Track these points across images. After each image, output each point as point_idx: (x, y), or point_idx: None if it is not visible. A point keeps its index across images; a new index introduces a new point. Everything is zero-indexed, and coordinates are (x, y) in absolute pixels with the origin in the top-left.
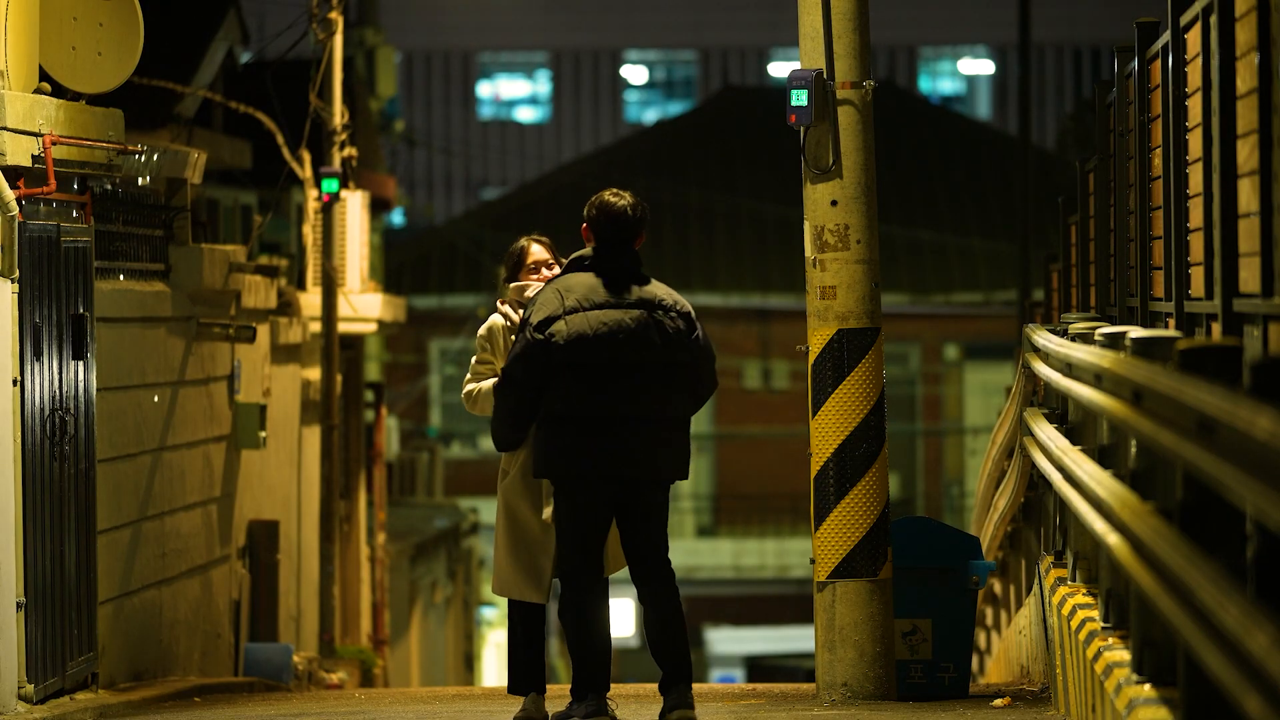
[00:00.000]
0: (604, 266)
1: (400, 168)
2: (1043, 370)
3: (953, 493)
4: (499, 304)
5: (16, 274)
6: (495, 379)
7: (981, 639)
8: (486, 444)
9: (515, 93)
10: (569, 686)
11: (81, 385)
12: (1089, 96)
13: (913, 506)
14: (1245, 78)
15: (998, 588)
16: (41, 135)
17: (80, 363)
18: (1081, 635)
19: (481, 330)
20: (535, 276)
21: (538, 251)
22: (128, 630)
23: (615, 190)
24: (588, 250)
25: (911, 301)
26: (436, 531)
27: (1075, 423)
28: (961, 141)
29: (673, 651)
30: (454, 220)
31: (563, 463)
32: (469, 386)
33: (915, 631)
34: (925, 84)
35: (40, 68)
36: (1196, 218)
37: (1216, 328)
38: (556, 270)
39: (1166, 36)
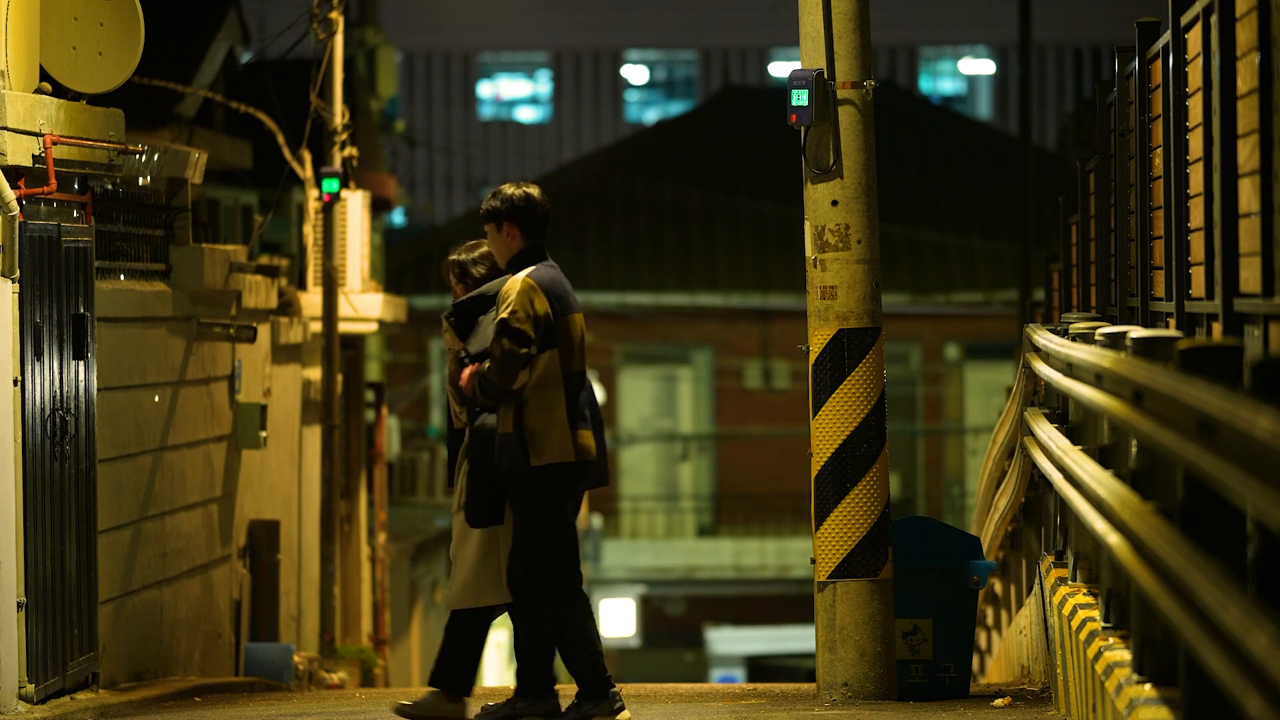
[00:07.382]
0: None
1: (400, 168)
2: (1043, 370)
3: (953, 493)
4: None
5: (17, 274)
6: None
7: (982, 639)
8: None
9: (515, 93)
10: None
11: (82, 385)
12: (1089, 96)
13: (913, 506)
14: (1246, 78)
15: (998, 587)
16: (42, 135)
17: (81, 363)
18: (1082, 635)
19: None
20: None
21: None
22: (128, 630)
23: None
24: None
25: (912, 301)
26: (437, 531)
27: (1076, 423)
28: (962, 141)
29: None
30: (454, 220)
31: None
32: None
33: (916, 631)
34: (925, 84)
35: (41, 67)
36: (1197, 218)
37: (1217, 328)
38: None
39: (1167, 36)
